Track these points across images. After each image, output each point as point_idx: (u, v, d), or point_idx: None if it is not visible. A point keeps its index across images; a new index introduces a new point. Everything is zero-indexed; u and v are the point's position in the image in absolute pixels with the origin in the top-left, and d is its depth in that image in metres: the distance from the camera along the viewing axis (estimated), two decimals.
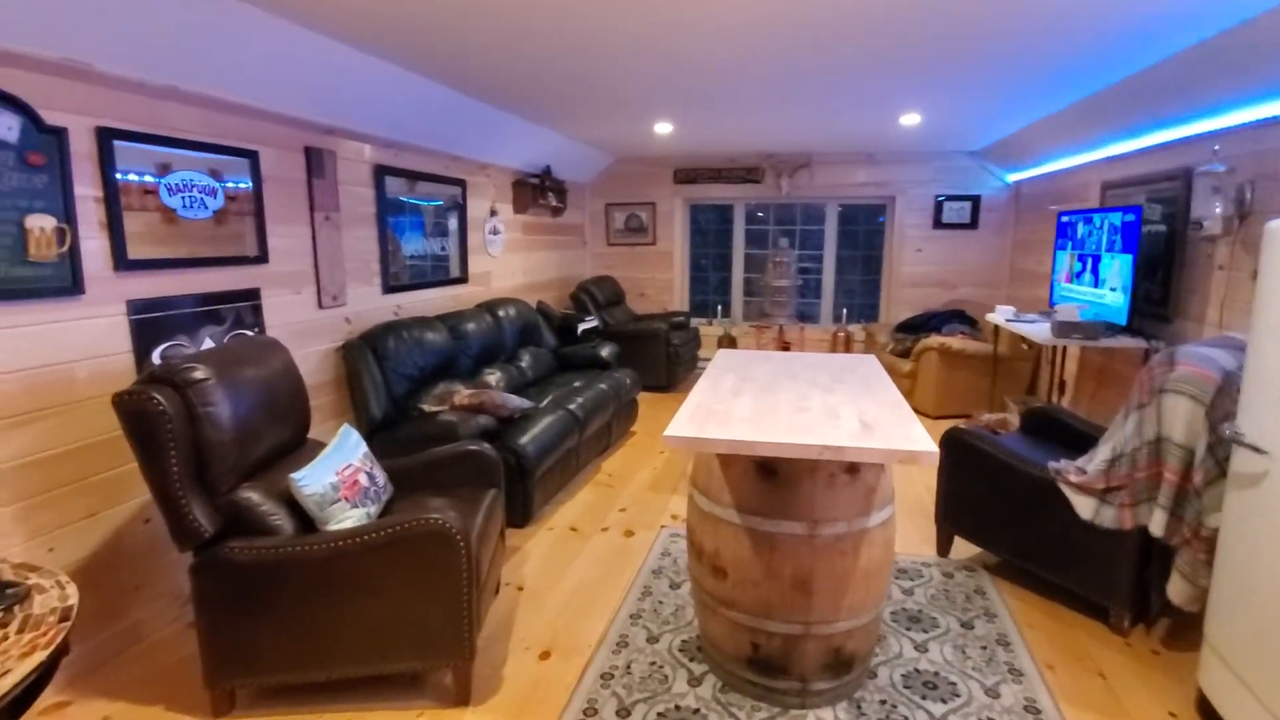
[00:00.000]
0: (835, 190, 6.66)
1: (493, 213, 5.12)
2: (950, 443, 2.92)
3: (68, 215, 2.14)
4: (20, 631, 1.25)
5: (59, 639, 1.24)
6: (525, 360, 4.62)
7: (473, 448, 2.66)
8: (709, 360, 7.01)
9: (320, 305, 3.32)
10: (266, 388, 2.26)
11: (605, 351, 4.99)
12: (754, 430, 1.89)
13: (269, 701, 2.13)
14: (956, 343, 5.27)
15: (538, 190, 5.67)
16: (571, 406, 3.87)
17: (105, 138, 2.26)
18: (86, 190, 2.22)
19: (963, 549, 3.13)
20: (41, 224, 2.07)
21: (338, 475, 2.20)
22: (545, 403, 3.91)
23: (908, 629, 2.54)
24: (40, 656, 1.19)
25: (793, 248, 6.90)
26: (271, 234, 2.99)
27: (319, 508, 2.12)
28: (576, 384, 4.40)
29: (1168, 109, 3.33)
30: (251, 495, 2.06)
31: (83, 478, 2.25)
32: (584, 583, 2.88)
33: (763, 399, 2.28)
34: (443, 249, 4.43)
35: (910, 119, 4.59)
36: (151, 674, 2.27)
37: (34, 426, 2.10)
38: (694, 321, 7.13)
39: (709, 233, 7.32)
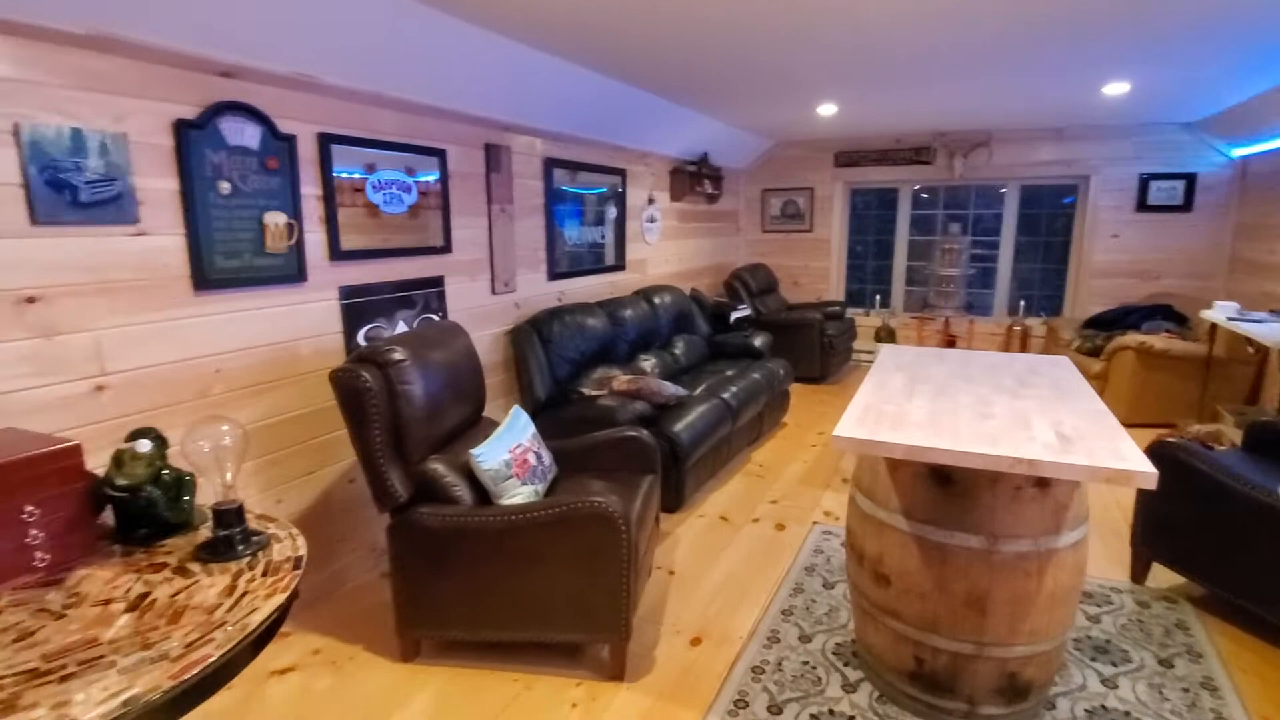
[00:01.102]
0: (1016, 170, 6.08)
1: (650, 201, 5.20)
2: (1158, 457, 2.59)
3: (295, 212, 2.45)
4: (264, 575, 1.46)
5: (293, 585, 1.44)
6: (679, 347, 4.67)
7: (632, 434, 2.74)
8: (865, 353, 6.77)
9: (493, 291, 3.56)
10: (451, 368, 2.46)
11: (758, 341, 4.93)
12: (932, 436, 1.79)
13: (448, 654, 2.34)
14: (1160, 342, 4.65)
15: (694, 178, 5.68)
16: (725, 395, 3.86)
17: (325, 142, 2.55)
18: (310, 189, 2.52)
19: (1161, 576, 2.78)
20: (276, 220, 2.38)
21: (510, 453, 2.36)
22: (699, 391, 3.94)
23: (1093, 659, 2.31)
24: (280, 599, 1.38)
25: (965, 233, 6.41)
26: (455, 226, 3.24)
27: (494, 482, 2.28)
28: (729, 373, 4.39)
29: None
30: (438, 467, 2.27)
31: (303, 441, 2.59)
32: (734, 573, 2.89)
33: (939, 402, 2.14)
34: (601, 237, 4.58)
35: (1116, 88, 4.07)
36: (352, 616, 2.58)
37: (269, 395, 2.44)
38: (850, 311, 6.85)
39: (869, 218, 6.97)
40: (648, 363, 4.23)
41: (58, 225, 1.83)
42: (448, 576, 2.20)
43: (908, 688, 2.05)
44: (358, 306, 2.76)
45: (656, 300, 4.65)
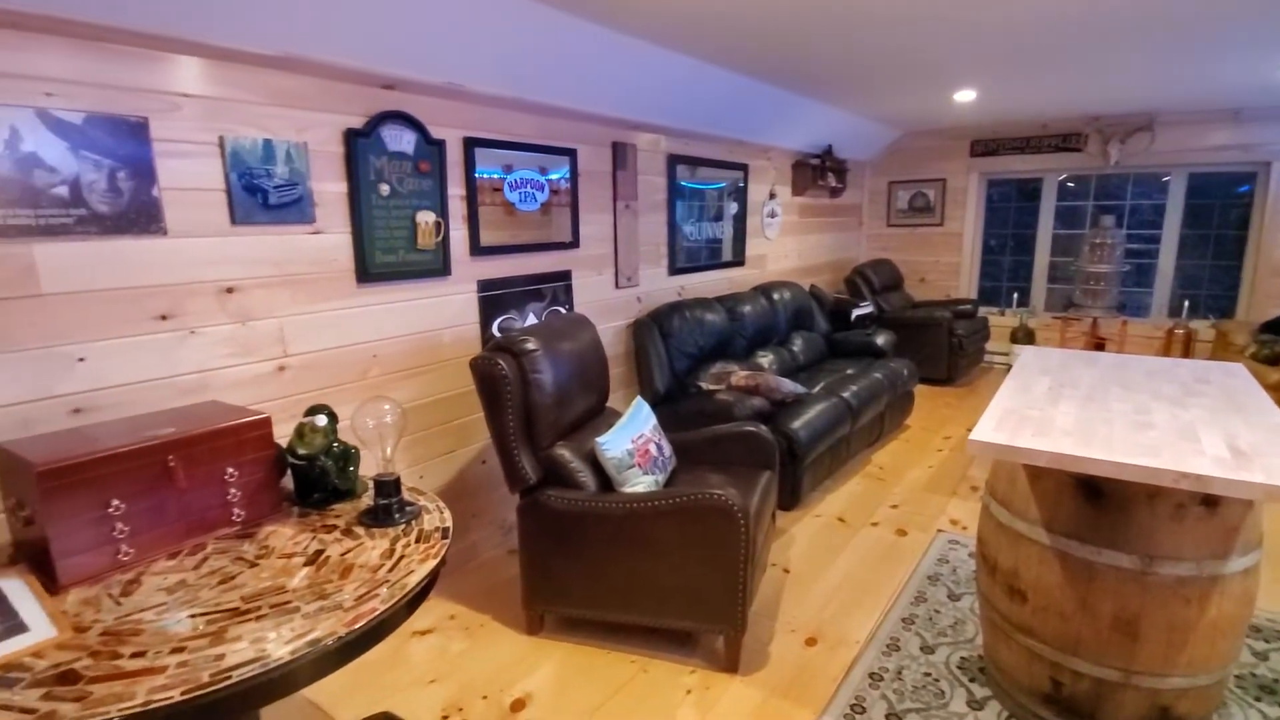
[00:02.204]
0: (1183, 156, 5.49)
1: (771, 195, 5.15)
2: None
3: (442, 210, 2.65)
4: (418, 542, 1.61)
5: (443, 552, 1.58)
6: (797, 344, 4.61)
7: (751, 429, 2.75)
8: (999, 354, 6.37)
9: (617, 285, 3.66)
10: (578, 359, 2.57)
11: (881, 339, 4.77)
12: (1081, 444, 1.68)
13: (570, 630, 2.46)
14: None
15: (817, 171, 5.56)
16: (845, 394, 3.78)
17: (469, 146, 2.73)
18: (455, 190, 2.71)
19: None
20: (426, 219, 2.58)
21: (633, 443, 2.44)
22: (817, 389, 3.87)
23: (1257, 699, 2.08)
24: (431, 564, 1.52)
25: (1118, 226, 5.86)
26: (583, 222, 3.36)
27: (617, 470, 2.37)
28: (849, 371, 4.28)
29: None
30: (565, 453, 2.38)
31: (443, 422, 2.80)
32: (851, 575, 2.83)
33: (1090, 409, 2.01)
34: (720, 232, 4.58)
35: None
36: (483, 587, 2.76)
37: (416, 379, 2.66)
38: (982, 310, 6.46)
39: (1006, 211, 6.53)
40: (765, 359, 4.20)
41: (251, 225, 2.09)
42: (571, 557, 2.31)
43: (1041, 710, 1.94)
44: (493, 299, 2.95)
45: (775, 296, 4.60)
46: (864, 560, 2.96)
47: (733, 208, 4.67)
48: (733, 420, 3.15)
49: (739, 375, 3.59)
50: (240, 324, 2.11)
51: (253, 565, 1.50)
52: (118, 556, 1.46)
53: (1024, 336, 6.20)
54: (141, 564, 1.49)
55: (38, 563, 1.42)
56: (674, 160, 4.01)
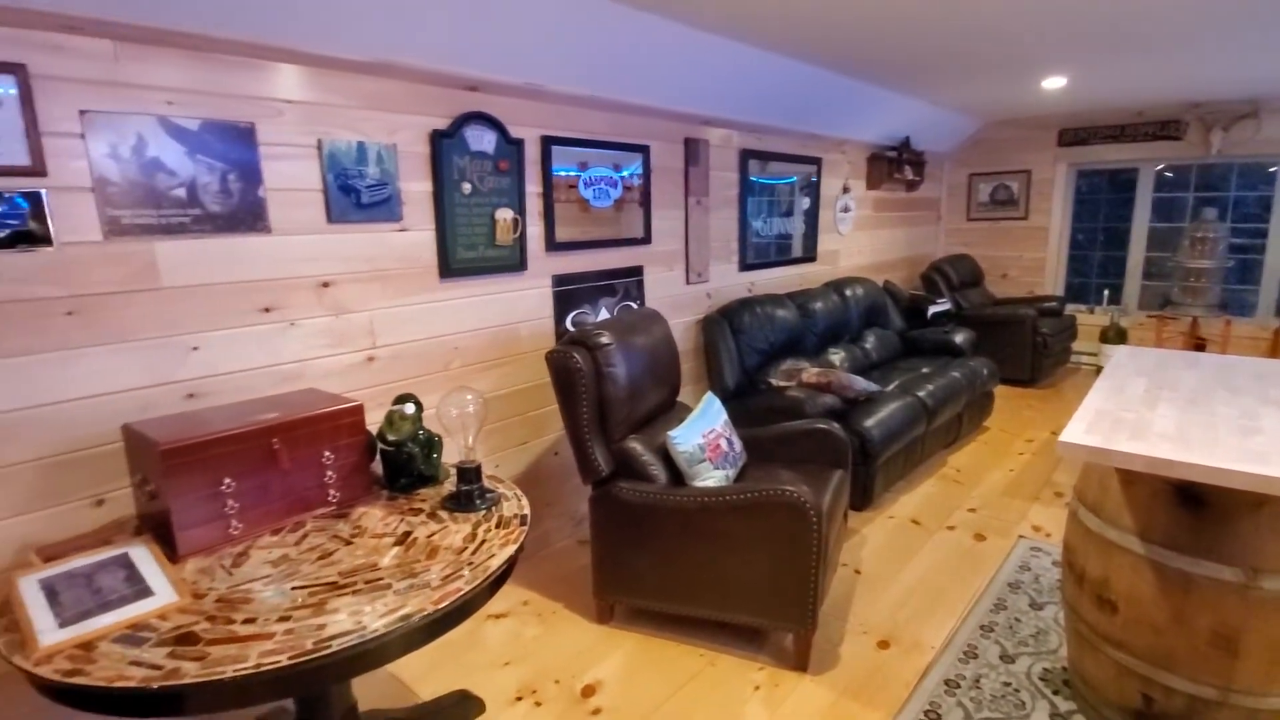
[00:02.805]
0: None
1: (845, 189, 5.04)
2: None
3: (520, 207, 2.72)
4: (498, 527, 1.68)
5: (521, 538, 1.64)
6: (870, 341, 4.51)
7: (823, 426, 2.72)
8: (1087, 355, 6.05)
9: (687, 281, 3.68)
10: (651, 353, 2.60)
11: (959, 338, 4.61)
12: (1181, 449, 1.60)
13: (639, 621, 2.50)
14: None
15: (893, 164, 5.41)
16: (920, 394, 3.68)
17: (546, 144, 2.80)
18: (532, 187, 2.78)
19: None
20: (505, 215, 2.66)
21: (704, 438, 2.45)
22: (891, 387, 3.78)
23: None
24: (511, 549, 1.58)
25: (1221, 219, 5.47)
26: (655, 218, 3.39)
27: (688, 464, 2.39)
28: (925, 370, 4.16)
29: None
30: (637, 445, 2.42)
31: (519, 413, 2.88)
32: (926, 579, 2.76)
33: (1191, 412, 1.89)
34: (792, 228, 4.52)
35: None
36: (555, 575, 2.83)
37: (494, 371, 2.75)
38: (1069, 308, 6.15)
39: (1097, 203, 6.18)
40: (836, 356, 4.13)
41: (346, 223, 2.21)
42: (642, 548, 2.35)
43: None
44: (567, 293, 3.01)
45: (848, 292, 4.51)
46: (939, 564, 2.88)
47: (804, 203, 4.60)
48: (804, 417, 3.11)
49: (810, 372, 3.54)
50: (335, 316, 2.23)
51: (348, 543, 1.59)
52: (229, 531, 1.58)
53: (1115, 336, 5.87)
54: (249, 538, 1.61)
55: (160, 534, 1.55)
56: (746, 155, 3.98)
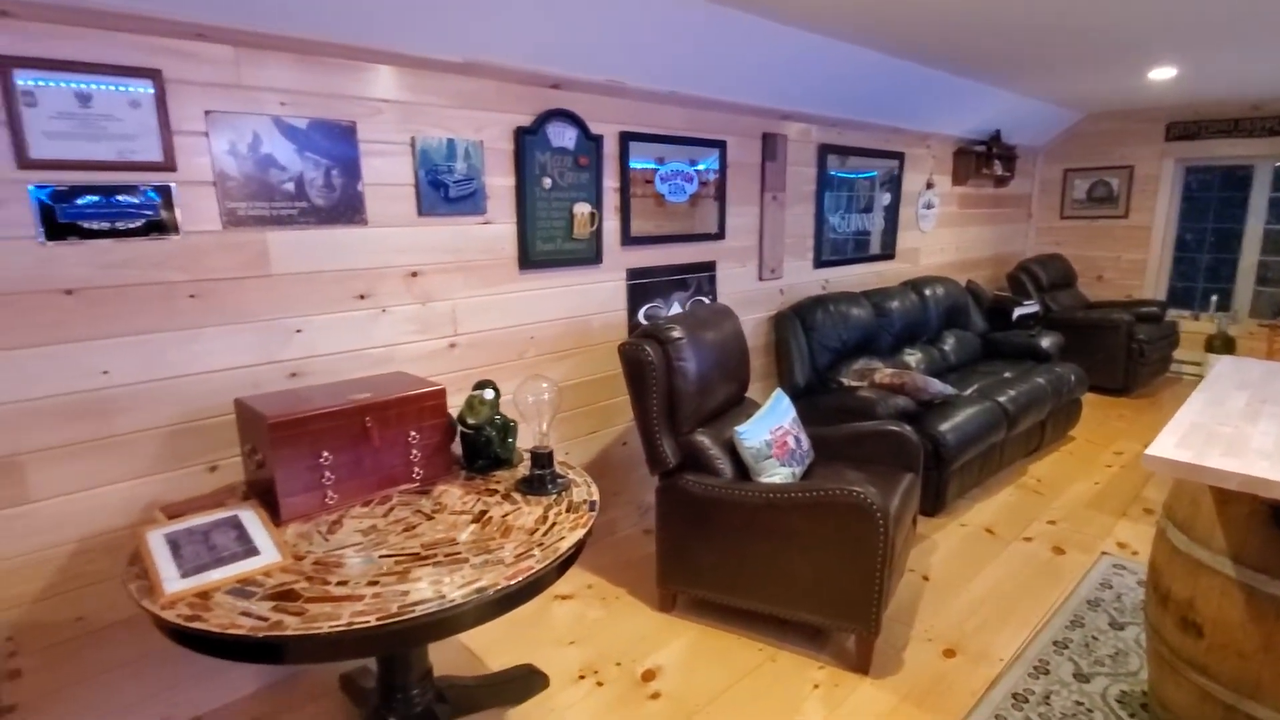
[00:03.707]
0: None
1: (928, 185, 4.89)
2: None
3: (597, 202, 2.79)
4: (568, 511, 1.75)
5: (590, 523, 1.71)
6: (949, 343, 4.37)
7: (894, 428, 2.68)
8: (1190, 364, 5.66)
9: (760, 277, 3.67)
10: (721, 349, 2.63)
11: (1046, 342, 4.41)
12: None
13: (700, 612, 2.54)
14: None
15: (982, 159, 5.20)
16: (1000, 399, 3.55)
17: (625, 140, 2.85)
18: (610, 182, 2.84)
19: None
20: (582, 209, 2.74)
21: (771, 434, 2.46)
22: (970, 391, 3.67)
23: None
24: (580, 533, 1.65)
25: None
26: (729, 214, 3.40)
27: (754, 460, 2.41)
28: (1006, 374, 4.01)
29: None
30: (704, 439, 2.45)
31: (589, 403, 2.97)
32: (997, 590, 2.69)
33: None
34: (870, 224, 4.43)
35: None
36: (619, 562, 2.91)
37: (566, 361, 2.84)
38: (1171, 314, 5.77)
39: (1206, 202, 5.75)
40: (912, 357, 4.03)
41: (434, 216, 2.33)
42: (706, 540, 2.39)
43: None
44: (640, 287, 3.06)
45: (927, 292, 4.39)
46: (1013, 575, 2.79)
47: (885, 198, 4.50)
48: (875, 418, 3.07)
49: (883, 373, 3.48)
50: (421, 304, 2.36)
51: (429, 518, 1.70)
52: (325, 500, 1.72)
53: (1222, 345, 5.47)
54: (343, 508, 1.74)
55: (265, 499, 1.70)
56: (825, 150, 3.93)
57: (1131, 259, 6.00)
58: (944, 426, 3.17)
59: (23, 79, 1.62)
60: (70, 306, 1.73)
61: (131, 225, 1.80)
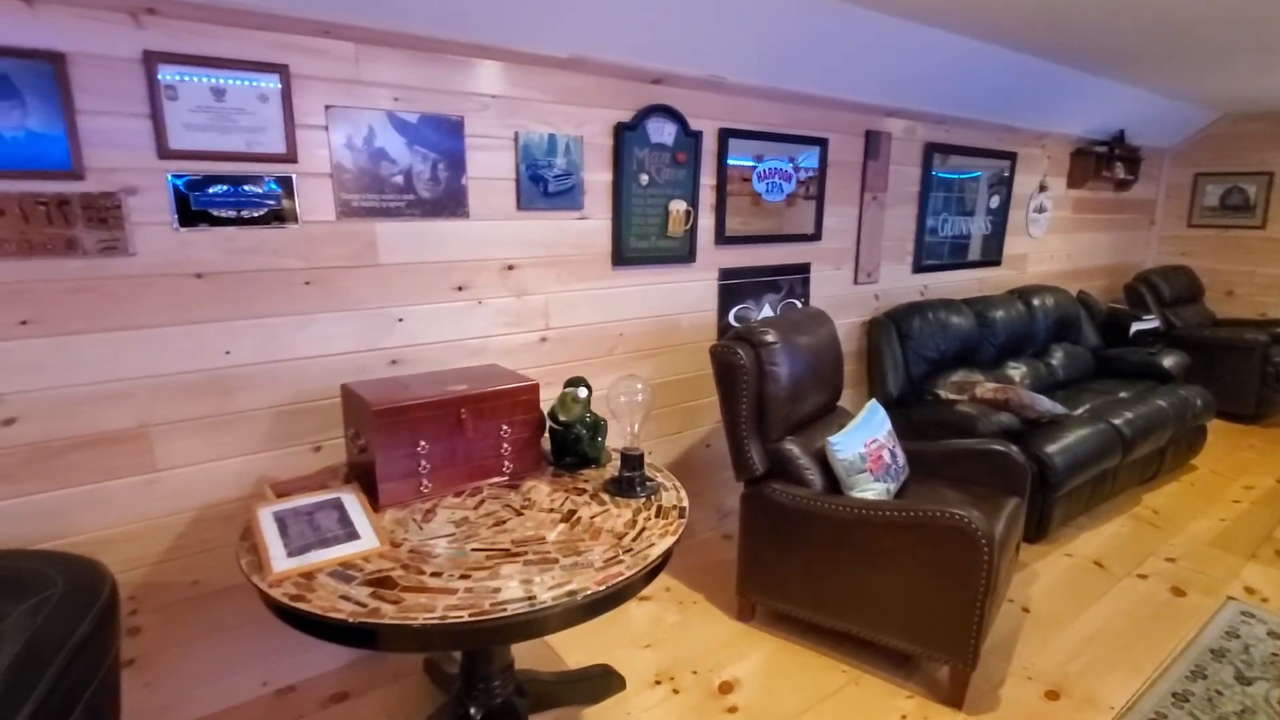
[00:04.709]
0: None
1: (1041, 187, 4.59)
2: None
3: (693, 199, 2.74)
4: (657, 517, 1.72)
5: (679, 531, 1.67)
6: (1057, 357, 4.09)
7: (1000, 448, 2.52)
8: None
9: (855, 281, 3.53)
10: (814, 354, 2.54)
11: (1169, 361, 4.07)
12: None
13: (780, 625, 2.47)
14: None
15: (1102, 160, 4.83)
16: (1116, 421, 3.29)
17: (724, 136, 2.79)
18: (706, 179, 2.79)
19: None
20: (678, 207, 2.70)
21: (866, 447, 2.36)
22: (1080, 411, 3.42)
23: None
24: (669, 541, 1.62)
25: None
26: (826, 214, 3.28)
27: (847, 473, 2.31)
28: (1122, 395, 3.72)
29: None
30: (794, 448, 2.38)
31: (675, 403, 2.93)
32: (1107, 629, 2.49)
33: None
34: (974, 228, 4.19)
35: None
36: (697, 566, 2.87)
37: (653, 359, 2.82)
38: None
39: None
40: (1016, 371, 3.80)
41: (532, 211, 2.35)
42: (790, 553, 2.31)
43: None
44: (732, 287, 3.00)
45: (1035, 302, 4.12)
46: (1125, 615, 2.58)
47: (992, 201, 4.24)
48: (975, 435, 2.90)
49: (986, 387, 3.29)
50: (515, 298, 2.38)
51: (518, 514, 1.71)
52: (420, 488, 1.75)
53: None
54: (437, 497, 1.78)
55: (365, 483, 1.75)
56: (931, 149, 3.73)
57: (1268, 274, 5.45)
58: (1051, 448, 2.96)
59: (165, 74, 1.72)
60: (199, 289, 1.84)
61: (256, 214, 1.89)
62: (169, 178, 1.76)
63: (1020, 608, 2.61)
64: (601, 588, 1.40)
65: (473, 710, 1.76)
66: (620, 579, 1.44)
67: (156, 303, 1.79)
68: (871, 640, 2.22)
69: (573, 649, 2.33)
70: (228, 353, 1.90)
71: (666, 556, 1.61)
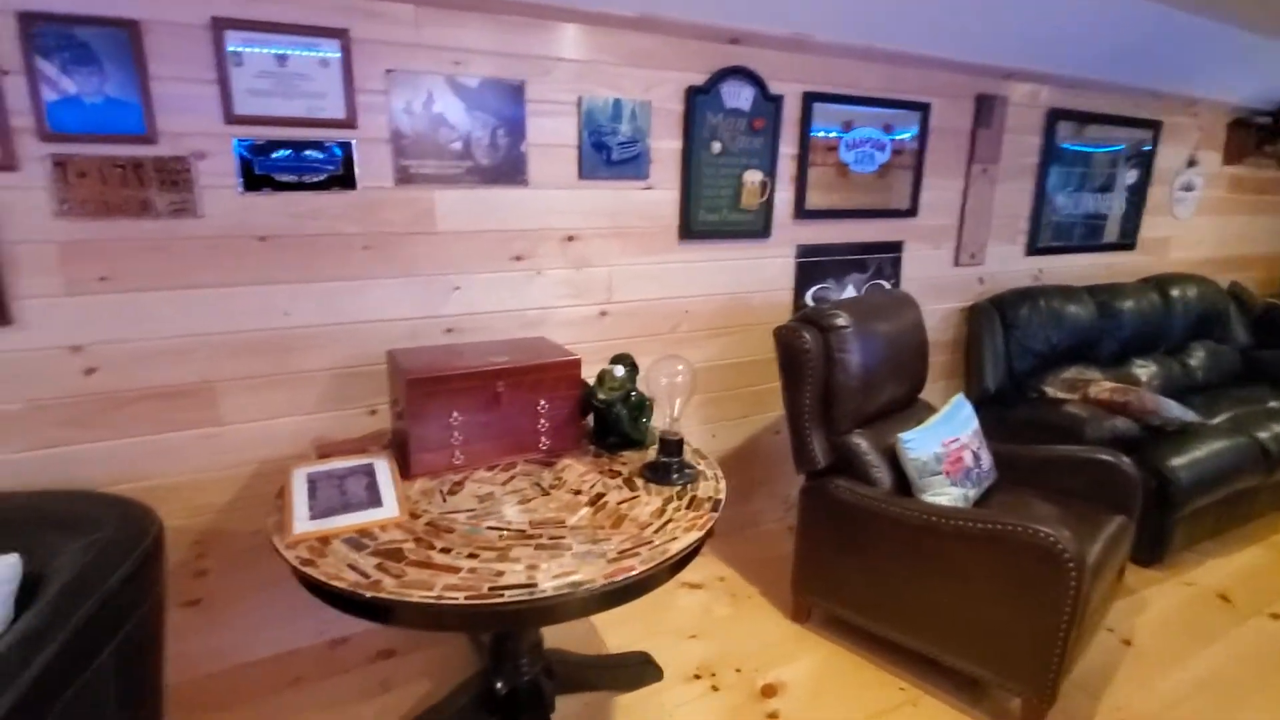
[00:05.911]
0: None
1: (1190, 163, 3.99)
2: None
3: (771, 170, 2.56)
4: (688, 508, 1.62)
5: (709, 525, 1.56)
6: (1196, 357, 3.58)
7: (1107, 457, 2.21)
8: None
9: (956, 262, 3.22)
10: (893, 343, 2.32)
11: None
12: None
13: (837, 630, 2.31)
14: None
15: (1265, 134, 4.14)
16: (1260, 434, 2.83)
17: (808, 101, 2.58)
18: (786, 149, 2.60)
19: None
20: (753, 178, 2.53)
21: (943, 447, 2.13)
22: (1218, 419, 2.97)
23: None
24: (695, 536, 1.51)
25: None
26: (925, 187, 2.99)
27: (918, 474, 2.11)
28: (1272, 404, 3.21)
29: None
30: (862, 443, 2.19)
31: (741, 386, 2.79)
32: (1224, 674, 2.15)
33: None
34: (1106, 207, 3.70)
35: None
36: (756, 558, 2.74)
37: (720, 339, 2.68)
38: None
39: None
40: (1144, 370, 3.35)
41: (595, 180, 2.26)
42: (851, 555, 2.14)
43: None
44: (811, 265, 2.80)
45: (1174, 292, 3.62)
46: (1249, 659, 2.22)
47: (1130, 176, 3.73)
48: (1082, 441, 2.58)
49: (1102, 386, 2.91)
50: (576, 269, 2.32)
51: (545, 494, 1.65)
52: (452, 460, 1.74)
53: None
54: (467, 470, 1.75)
55: (399, 452, 1.76)
56: (1055, 115, 3.31)
57: None
58: (1176, 461, 2.59)
59: (232, 42, 1.76)
60: (262, 251, 1.89)
61: (316, 179, 1.92)
62: (234, 143, 1.80)
63: (1120, 639, 2.31)
64: (611, 580, 1.32)
65: (499, 685, 1.74)
66: (631, 573, 1.35)
67: (222, 263, 1.85)
68: (934, 658, 2.02)
69: (613, 630, 2.28)
70: (287, 314, 1.95)
71: (692, 552, 1.50)
